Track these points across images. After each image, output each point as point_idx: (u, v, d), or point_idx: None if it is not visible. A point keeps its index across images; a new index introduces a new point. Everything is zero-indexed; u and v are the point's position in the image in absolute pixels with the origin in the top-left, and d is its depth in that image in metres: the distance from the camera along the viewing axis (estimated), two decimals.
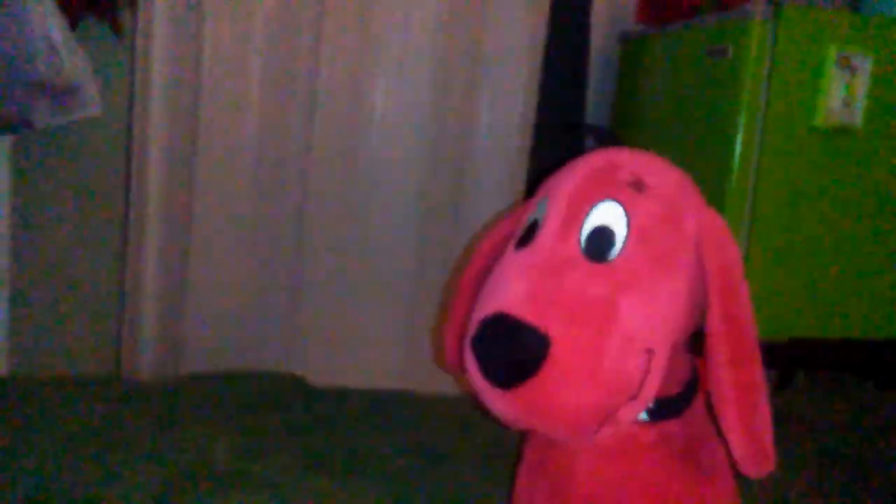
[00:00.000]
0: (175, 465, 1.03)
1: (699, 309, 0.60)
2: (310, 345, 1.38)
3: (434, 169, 1.40)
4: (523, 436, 0.74)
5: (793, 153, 1.25)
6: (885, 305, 1.33)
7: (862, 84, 1.23)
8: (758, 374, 0.59)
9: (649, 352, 0.57)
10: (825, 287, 1.31)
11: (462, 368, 0.62)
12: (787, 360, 1.50)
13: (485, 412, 0.60)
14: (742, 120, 1.22)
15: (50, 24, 1.12)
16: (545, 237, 0.60)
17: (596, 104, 1.55)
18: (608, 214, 0.59)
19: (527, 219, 0.64)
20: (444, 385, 1.36)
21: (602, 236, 0.59)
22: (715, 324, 0.58)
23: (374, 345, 1.41)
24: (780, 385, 1.51)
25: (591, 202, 0.60)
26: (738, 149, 1.23)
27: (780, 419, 1.34)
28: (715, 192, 1.26)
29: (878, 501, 1.12)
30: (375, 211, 1.40)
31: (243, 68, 1.32)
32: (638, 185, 0.60)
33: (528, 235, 0.62)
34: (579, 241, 0.59)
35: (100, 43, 1.29)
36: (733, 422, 0.58)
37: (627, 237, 0.59)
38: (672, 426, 0.64)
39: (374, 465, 1.09)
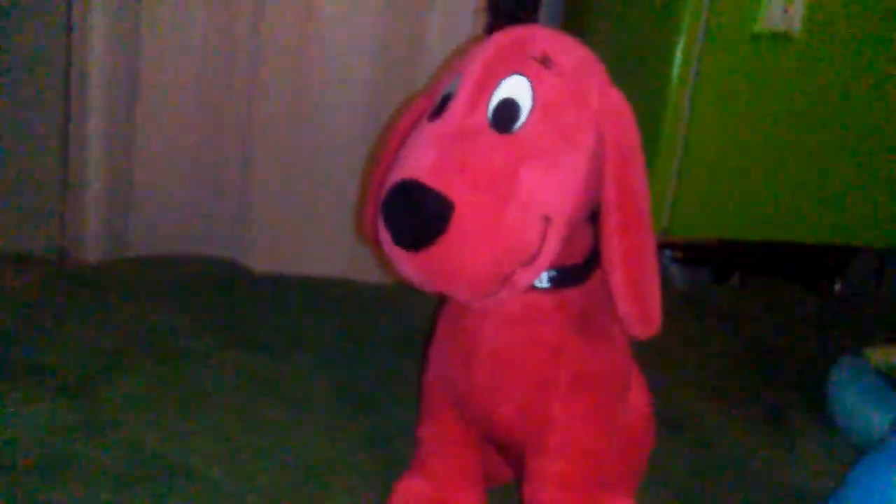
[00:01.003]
0: (115, 337, 1.07)
1: (599, 183, 0.63)
2: (256, 233, 1.40)
3: (384, 73, 1.39)
4: (437, 313, 0.78)
5: (733, 59, 1.27)
6: (815, 211, 1.38)
7: None
8: (646, 240, 0.62)
9: (547, 219, 0.60)
10: (759, 191, 1.35)
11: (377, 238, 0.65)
12: (720, 259, 1.56)
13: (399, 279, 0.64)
14: (684, 24, 1.24)
15: None
16: (455, 109, 0.62)
17: (547, 12, 1.55)
18: (515, 88, 0.62)
19: (441, 93, 0.66)
20: (389, 276, 1.40)
21: (508, 109, 0.61)
22: (608, 192, 0.62)
23: (320, 235, 1.44)
24: (716, 281, 1.58)
25: (500, 76, 0.62)
26: (679, 53, 1.25)
27: (709, 312, 1.41)
28: (655, 95, 1.28)
29: (789, 379, 1.22)
30: (325, 110, 1.40)
31: None
32: (545, 61, 0.63)
33: (441, 109, 0.64)
34: (486, 113, 0.61)
35: None
36: (620, 284, 0.62)
37: (532, 110, 0.61)
38: (571, 294, 0.68)
39: (311, 346, 1.14)
